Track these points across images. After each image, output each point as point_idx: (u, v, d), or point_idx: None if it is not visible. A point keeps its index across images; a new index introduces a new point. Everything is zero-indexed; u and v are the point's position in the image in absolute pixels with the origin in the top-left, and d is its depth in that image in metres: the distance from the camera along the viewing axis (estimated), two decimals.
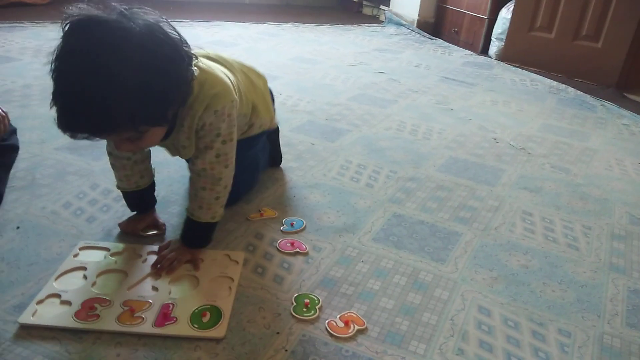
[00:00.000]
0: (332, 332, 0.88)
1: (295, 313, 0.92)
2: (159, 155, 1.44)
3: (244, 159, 1.09)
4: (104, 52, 0.73)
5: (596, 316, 0.99)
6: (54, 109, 0.76)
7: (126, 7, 0.79)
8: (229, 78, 1.01)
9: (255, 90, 1.18)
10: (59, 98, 0.76)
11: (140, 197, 1.12)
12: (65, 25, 0.76)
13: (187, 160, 1.15)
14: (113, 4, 0.79)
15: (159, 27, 0.80)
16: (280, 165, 1.47)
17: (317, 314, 0.92)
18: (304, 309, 0.93)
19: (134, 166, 1.07)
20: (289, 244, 1.12)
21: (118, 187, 1.11)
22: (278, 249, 1.10)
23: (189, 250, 1.03)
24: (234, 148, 1.00)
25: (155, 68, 0.77)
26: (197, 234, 1.04)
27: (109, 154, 1.07)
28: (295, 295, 0.96)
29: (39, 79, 1.95)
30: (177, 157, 1.15)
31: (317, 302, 0.95)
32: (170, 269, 0.99)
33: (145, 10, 0.82)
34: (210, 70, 0.97)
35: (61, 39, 0.76)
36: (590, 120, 2.16)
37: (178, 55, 0.82)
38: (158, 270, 0.99)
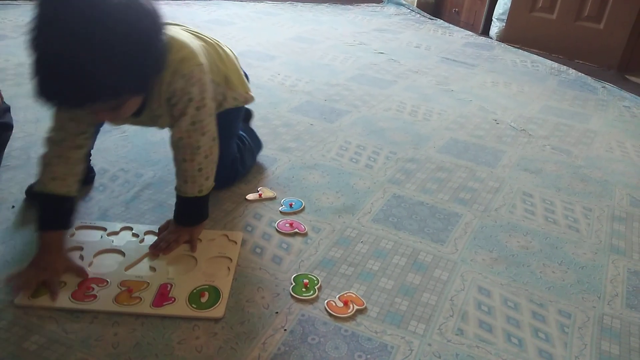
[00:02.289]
0: (331, 312, 0.88)
1: (294, 293, 0.91)
2: (156, 135, 1.43)
3: (223, 156, 1.05)
4: (87, 22, 0.71)
5: (596, 297, 0.99)
6: (35, 79, 0.73)
7: None
8: (195, 43, 0.98)
9: (227, 60, 1.12)
10: (42, 68, 0.73)
11: (66, 208, 0.94)
12: None
13: None
14: None
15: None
16: (278, 146, 1.45)
17: (316, 294, 0.91)
18: (303, 289, 0.92)
19: (78, 164, 0.94)
20: (287, 225, 1.11)
21: (40, 190, 0.92)
22: (277, 230, 1.09)
23: (186, 230, 1.01)
24: (211, 115, 0.96)
25: (137, 38, 0.76)
26: (188, 211, 1.02)
27: (55, 143, 0.91)
28: (294, 275, 0.96)
29: None
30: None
31: (316, 282, 0.94)
32: (167, 249, 0.98)
33: None
34: (176, 36, 0.93)
35: (38, 8, 0.72)
36: (591, 102, 2.14)
37: (155, 25, 0.81)
38: (155, 251, 0.98)
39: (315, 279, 0.95)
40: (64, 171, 0.92)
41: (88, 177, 1.18)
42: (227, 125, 1.12)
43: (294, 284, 0.93)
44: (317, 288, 0.93)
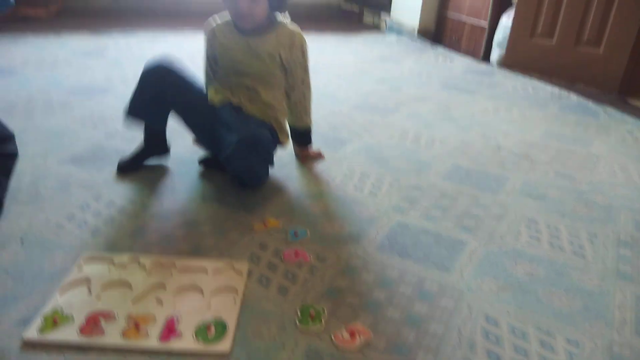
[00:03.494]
0: (339, 344, 0.87)
1: (300, 325, 0.91)
2: (162, 168, 1.45)
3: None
4: None
5: (604, 324, 0.98)
6: None
7: None
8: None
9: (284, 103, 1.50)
10: None
11: None
12: None
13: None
14: None
15: None
16: (283, 175, 1.47)
17: (322, 325, 0.91)
18: (310, 321, 0.92)
19: None
20: (293, 254, 1.11)
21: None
22: (282, 259, 1.10)
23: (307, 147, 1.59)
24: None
25: None
26: (308, 136, 1.56)
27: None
28: (300, 306, 0.96)
29: (41, 92, 1.96)
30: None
31: (322, 313, 0.94)
32: (317, 154, 1.59)
33: None
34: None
35: None
36: (593, 126, 2.15)
37: None
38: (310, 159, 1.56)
39: (321, 309, 0.95)
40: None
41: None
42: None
43: (300, 315, 0.94)
44: (324, 319, 0.93)
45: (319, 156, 1.60)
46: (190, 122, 1.41)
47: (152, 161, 1.47)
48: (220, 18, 1.40)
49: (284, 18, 1.40)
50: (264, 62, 1.37)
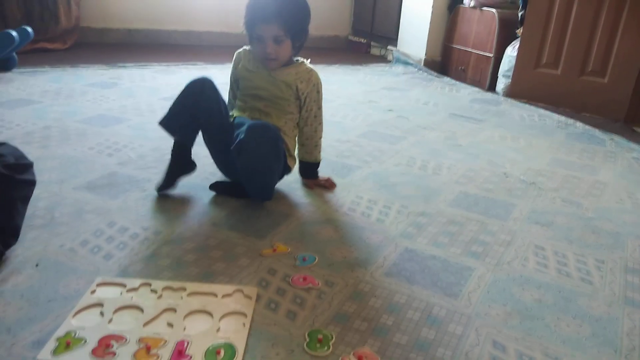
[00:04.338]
0: None
1: (308, 349, 0.92)
2: (174, 195, 1.48)
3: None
4: None
5: (613, 351, 0.98)
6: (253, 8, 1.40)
7: None
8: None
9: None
10: (259, 3, 1.40)
11: None
12: None
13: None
14: None
15: None
16: (292, 201, 1.50)
17: (330, 349, 0.92)
18: (317, 345, 0.93)
19: None
20: (301, 279, 1.13)
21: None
22: (291, 284, 1.11)
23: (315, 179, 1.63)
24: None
25: (307, 10, 1.45)
26: (314, 170, 1.61)
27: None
28: (309, 331, 0.97)
29: (58, 121, 2.02)
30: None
31: (330, 337, 0.95)
32: (331, 184, 1.62)
33: None
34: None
35: None
36: (599, 154, 2.17)
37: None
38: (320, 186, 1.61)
39: (329, 334, 0.96)
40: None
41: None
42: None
43: (308, 339, 0.94)
44: (332, 344, 0.94)
45: (328, 183, 1.62)
46: (213, 144, 1.51)
47: (182, 179, 1.52)
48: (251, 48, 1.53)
49: (304, 59, 1.55)
50: (280, 89, 1.47)
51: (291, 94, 1.49)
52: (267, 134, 1.34)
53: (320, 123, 1.56)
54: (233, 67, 1.57)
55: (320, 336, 0.95)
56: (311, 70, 1.52)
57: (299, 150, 1.58)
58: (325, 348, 0.92)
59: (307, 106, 1.52)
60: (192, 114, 1.41)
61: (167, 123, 1.44)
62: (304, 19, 1.44)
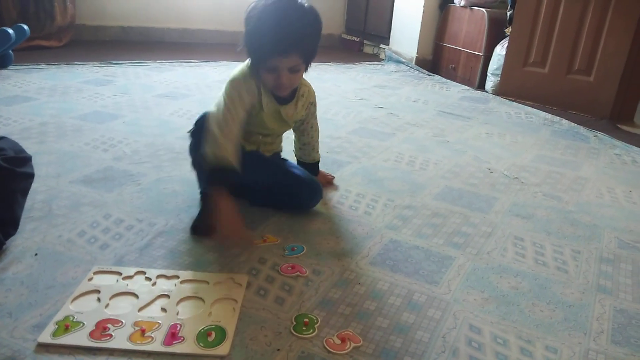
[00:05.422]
0: (330, 349, 0.94)
1: (294, 331, 0.97)
2: (168, 187, 1.53)
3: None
4: (301, 8, 1.22)
5: (582, 334, 1.04)
6: (267, 40, 1.19)
7: None
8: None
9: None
10: (275, 31, 1.17)
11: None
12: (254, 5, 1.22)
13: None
14: None
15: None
16: None
17: (315, 332, 0.98)
18: (304, 328, 0.98)
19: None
20: (290, 268, 1.18)
21: (215, 163, 1.20)
22: (280, 273, 1.16)
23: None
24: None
25: (319, 30, 1.28)
26: (317, 167, 1.61)
27: (227, 134, 1.23)
28: (295, 315, 1.02)
29: (54, 117, 2.06)
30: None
31: (315, 321, 1.01)
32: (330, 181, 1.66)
33: None
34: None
35: (262, 6, 1.20)
36: (583, 150, 2.23)
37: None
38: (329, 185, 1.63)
39: (314, 318, 1.02)
40: (235, 151, 1.23)
41: None
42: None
43: (294, 323, 1.00)
44: (317, 327, 0.99)
45: (329, 179, 1.66)
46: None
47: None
48: (251, 70, 1.31)
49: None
50: (288, 125, 1.45)
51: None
52: (320, 195, 1.46)
53: (317, 130, 1.58)
54: (238, 97, 1.27)
55: (306, 320, 1.00)
56: (310, 89, 1.45)
57: (296, 152, 1.60)
58: (311, 330, 0.98)
59: (307, 121, 1.52)
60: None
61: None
62: (319, 40, 1.30)
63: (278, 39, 1.17)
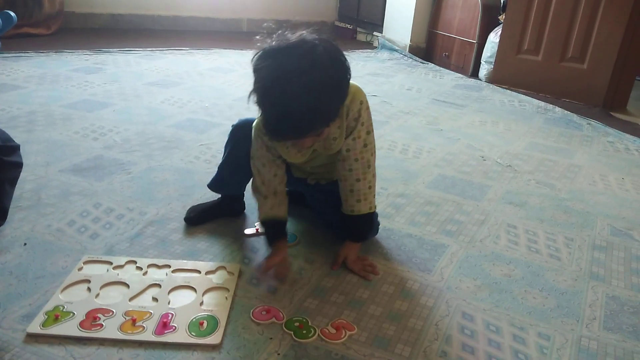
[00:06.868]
0: (325, 339, 0.93)
1: (297, 338, 0.93)
2: (159, 176, 1.52)
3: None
4: (309, 73, 0.88)
5: (575, 321, 1.04)
6: (270, 121, 0.93)
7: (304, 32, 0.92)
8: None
9: None
10: (277, 110, 0.90)
11: (283, 224, 1.18)
12: (262, 54, 0.91)
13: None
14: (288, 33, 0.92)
15: (332, 46, 0.93)
16: None
17: (316, 332, 0.94)
18: (303, 332, 0.94)
19: (283, 196, 1.17)
20: (264, 312, 1.00)
21: (264, 217, 1.15)
22: (252, 319, 1.02)
23: (356, 246, 1.17)
24: (374, 140, 1.13)
25: (339, 83, 0.95)
26: (363, 227, 1.18)
27: (264, 192, 1.15)
28: (285, 321, 0.97)
29: (43, 106, 2.03)
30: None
31: (307, 321, 0.97)
32: (374, 270, 1.15)
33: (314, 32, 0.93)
34: None
35: (265, 65, 0.89)
36: (576, 138, 2.23)
37: (347, 70, 0.96)
38: (367, 276, 1.13)
39: (303, 319, 0.98)
40: (276, 203, 1.14)
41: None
42: None
43: (292, 332, 0.94)
44: (313, 326, 0.95)
45: (369, 268, 1.16)
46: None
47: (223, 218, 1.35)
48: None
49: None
50: (330, 157, 1.15)
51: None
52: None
53: (368, 164, 1.13)
54: (261, 165, 1.13)
55: (297, 323, 0.97)
56: (353, 93, 1.05)
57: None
58: (312, 332, 0.95)
59: (349, 148, 1.10)
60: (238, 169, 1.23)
61: (215, 186, 1.31)
62: (341, 98, 0.99)
63: (288, 120, 0.91)
